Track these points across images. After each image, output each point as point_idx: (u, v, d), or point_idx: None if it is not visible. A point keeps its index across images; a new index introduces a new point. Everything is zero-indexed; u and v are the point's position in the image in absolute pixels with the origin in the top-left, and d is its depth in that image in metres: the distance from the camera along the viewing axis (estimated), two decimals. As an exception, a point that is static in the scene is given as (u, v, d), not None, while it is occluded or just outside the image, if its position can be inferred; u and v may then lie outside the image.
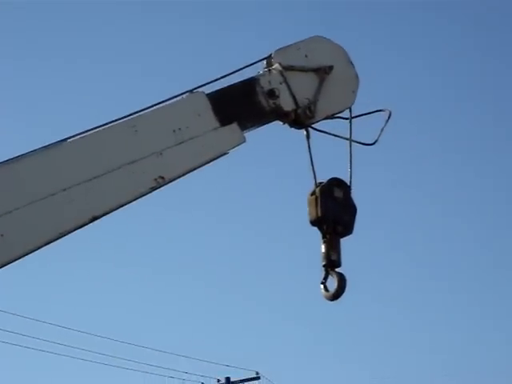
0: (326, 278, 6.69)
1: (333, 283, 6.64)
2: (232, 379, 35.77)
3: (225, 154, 6.40)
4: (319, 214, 6.72)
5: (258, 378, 35.02)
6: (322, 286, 6.72)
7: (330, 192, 6.78)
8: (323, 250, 6.72)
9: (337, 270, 6.68)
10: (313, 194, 6.81)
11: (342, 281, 6.60)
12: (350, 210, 6.88)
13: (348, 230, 6.85)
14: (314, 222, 6.77)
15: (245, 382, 35.43)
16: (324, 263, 6.69)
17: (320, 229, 6.79)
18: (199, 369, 37.15)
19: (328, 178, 6.88)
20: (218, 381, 36.00)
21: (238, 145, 6.44)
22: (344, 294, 6.68)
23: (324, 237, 6.77)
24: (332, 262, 6.68)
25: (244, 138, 6.44)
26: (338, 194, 6.84)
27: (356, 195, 6.97)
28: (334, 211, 6.77)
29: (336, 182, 6.82)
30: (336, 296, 6.62)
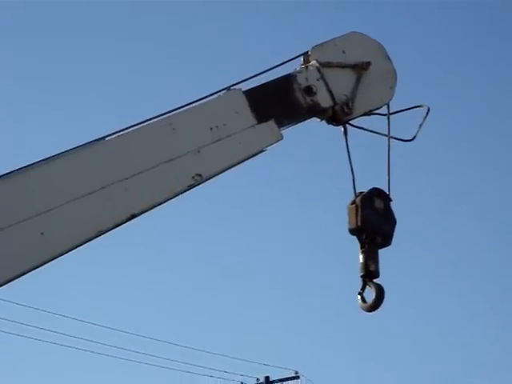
0: (363, 289, 6.69)
1: (370, 294, 6.62)
2: (271, 378, 35.67)
3: (262, 151, 6.37)
4: (359, 224, 6.70)
5: (297, 378, 34.88)
6: (359, 297, 6.72)
7: (371, 202, 6.78)
8: (361, 260, 6.70)
9: (375, 280, 6.66)
10: (353, 203, 6.78)
11: (380, 292, 6.58)
12: (389, 221, 6.86)
13: (387, 241, 6.82)
14: (353, 231, 6.74)
15: (284, 381, 35.30)
16: (362, 274, 6.68)
17: (359, 238, 6.76)
18: (239, 368, 37.16)
19: (369, 188, 6.86)
20: (258, 380, 35.87)
21: (276, 142, 6.42)
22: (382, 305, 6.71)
23: (362, 247, 6.75)
24: (370, 273, 6.67)
25: (281, 135, 6.41)
26: (379, 204, 6.83)
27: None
28: (373, 221, 6.76)
29: (377, 193, 6.82)
30: (374, 307, 6.61)
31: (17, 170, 5.58)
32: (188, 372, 34.32)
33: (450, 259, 73.36)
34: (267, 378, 35.40)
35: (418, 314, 66.93)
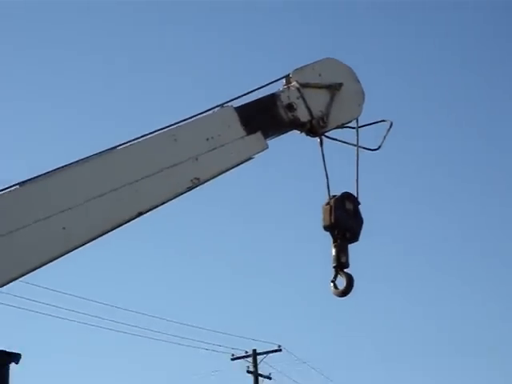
0: (335, 278, 7.18)
1: (342, 282, 7.10)
2: (258, 351, 37.82)
3: (251, 158, 6.85)
4: (332, 222, 7.19)
5: (279, 350, 37.05)
6: (332, 285, 7.20)
7: (342, 204, 7.25)
8: (333, 252, 7.20)
9: (345, 270, 7.15)
10: (327, 204, 7.26)
11: (350, 280, 7.10)
12: (358, 220, 7.36)
13: (355, 237, 7.34)
14: (327, 228, 7.25)
15: (268, 353, 37.13)
16: (334, 264, 7.17)
17: (332, 234, 7.26)
18: (230, 342, 39.23)
19: (341, 192, 7.34)
20: (246, 352, 37.99)
21: (262, 150, 6.93)
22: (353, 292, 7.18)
23: (335, 241, 7.24)
24: (341, 264, 7.15)
25: (267, 145, 6.92)
26: (349, 206, 7.31)
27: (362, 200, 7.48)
28: (344, 220, 7.25)
29: (347, 196, 7.31)
30: (344, 293, 7.13)
31: (39, 176, 6.03)
32: (187, 346, 36.14)
33: (413, 249, 76.96)
34: (254, 350, 37.44)
35: (390, 294, 69.86)
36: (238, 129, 6.86)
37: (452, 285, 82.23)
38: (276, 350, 37.28)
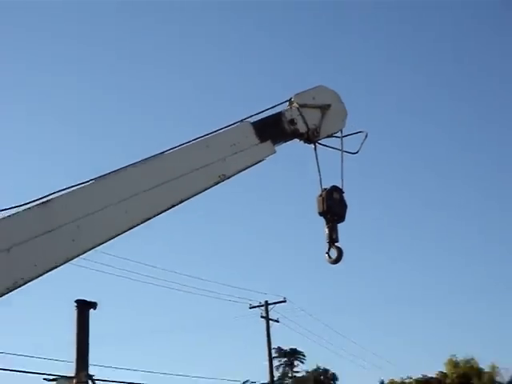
0: (329, 250, 8.04)
1: (334, 253, 8.02)
2: (268, 302, 41.34)
3: (262, 160, 7.74)
4: (325, 209, 8.09)
5: (284, 302, 40.97)
6: (326, 256, 8.06)
7: (331, 195, 8.11)
8: (326, 231, 8.09)
9: (336, 244, 8.04)
10: (320, 195, 8.13)
11: (340, 252, 8.02)
12: (343, 206, 8.21)
13: (342, 219, 8.18)
14: (321, 214, 8.14)
15: (276, 303, 40.78)
16: (328, 240, 8.06)
17: (325, 218, 8.15)
18: (248, 295, 43.19)
19: (330, 185, 8.20)
20: (260, 303, 41.27)
21: (271, 154, 7.80)
22: (343, 260, 8.03)
23: (327, 223, 8.13)
24: (333, 240, 8.06)
25: (275, 150, 7.80)
26: (336, 196, 8.15)
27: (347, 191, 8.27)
28: (333, 207, 8.10)
29: (335, 188, 8.17)
30: (336, 261, 8.02)
31: (110, 172, 6.81)
32: (217, 298, 40.88)
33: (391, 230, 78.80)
34: (266, 301, 40.78)
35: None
36: (253, 138, 7.64)
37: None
38: (282, 301, 41.41)
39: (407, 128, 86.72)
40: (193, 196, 7.26)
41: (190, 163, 7.25)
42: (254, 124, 7.70)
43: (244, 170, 7.64)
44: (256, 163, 7.71)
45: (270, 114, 7.96)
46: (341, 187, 8.21)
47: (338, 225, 8.13)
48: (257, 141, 7.65)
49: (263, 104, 7.81)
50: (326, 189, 8.13)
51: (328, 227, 8.07)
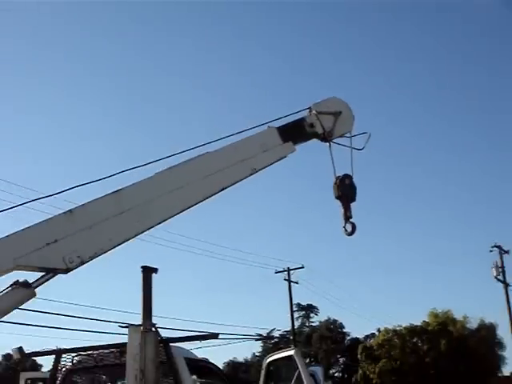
0: (345, 225, 8.66)
1: (349, 227, 8.68)
2: (290, 267, 42.95)
3: (285, 157, 8.28)
4: (340, 194, 8.72)
5: (302, 268, 42.36)
6: (343, 229, 8.68)
7: (343, 181, 8.69)
8: (342, 211, 8.71)
9: (350, 220, 8.62)
10: (335, 183, 8.71)
11: (354, 226, 8.65)
12: (353, 189, 8.75)
13: (354, 199, 8.76)
14: (337, 198, 8.73)
15: (296, 269, 42.29)
16: (344, 218, 8.68)
17: (340, 200, 8.76)
18: (274, 263, 46.33)
19: (342, 174, 8.72)
20: (283, 268, 42.99)
21: (292, 152, 8.32)
22: (356, 233, 8.61)
23: (343, 205, 8.74)
24: (347, 217, 8.68)
25: (295, 149, 8.34)
26: (347, 182, 8.70)
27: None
28: (346, 191, 8.69)
29: (346, 176, 8.70)
30: (351, 234, 8.65)
31: (173, 166, 7.36)
32: (250, 266, 45.12)
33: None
34: (288, 267, 42.31)
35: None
36: (277, 139, 8.17)
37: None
38: (300, 267, 43.08)
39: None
40: (231, 185, 7.82)
41: (229, 160, 7.82)
42: (278, 128, 8.26)
43: (271, 164, 8.21)
44: (280, 159, 8.27)
45: (291, 119, 8.53)
46: (351, 174, 8.75)
47: (351, 204, 8.73)
48: (280, 141, 8.20)
49: (283, 110, 8.46)
50: (339, 177, 8.71)
51: (343, 207, 8.69)
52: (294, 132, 8.48)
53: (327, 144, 8.82)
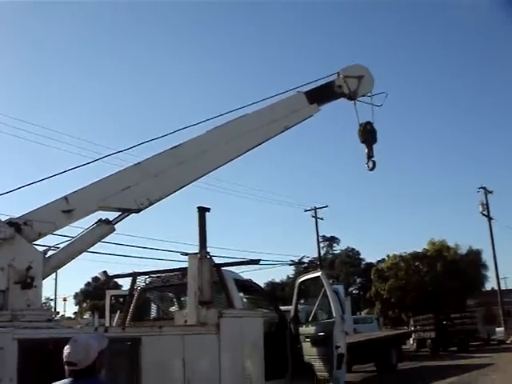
0: (367, 163, 8.70)
1: (371, 164, 8.70)
2: (316, 207, 42.03)
3: (311, 116, 8.20)
4: (364, 138, 8.77)
5: (326, 207, 41.86)
6: (366, 166, 8.73)
7: (366, 127, 8.72)
8: (366, 151, 8.72)
9: (372, 158, 8.72)
10: (360, 130, 8.74)
11: (374, 164, 8.68)
12: (374, 133, 8.75)
13: (375, 141, 8.76)
14: (362, 142, 8.76)
15: (321, 208, 41.47)
16: (367, 157, 8.71)
17: (365, 144, 8.78)
18: (303, 202, 46.72)
19: (365, 121, 8.75)
20: (311, 208, 42.06)
21: (317, 112, 8.25)
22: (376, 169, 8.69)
23: (366, 147, 8.76)
24: (370, 156, 8.72)
25: (320, 109, 8.23)
26: (369, 127, 8.72)
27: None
28: (368, 136, 8.75)
29: (368, 123, 8.71)
30: (372, 169, 8.68)
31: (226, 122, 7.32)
32: (279, 204, 44.05)
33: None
34: (315, 206, 41.65)
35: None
36: (304, 102, 8.11)
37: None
38: (325, 206, 42.41)
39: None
40: (267, 140, 7.84)
41: (265, 119, 7.78)
42: (305, 92, 8.15)
43: (299, 123, 8.13)
44: (307, 118, 8.23)
45: (317, 84, 8.47)
46: (371, 121, 8.74)
47: (373, 146, 8.77)
48: (307, 103, 8.13)
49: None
50: (362, 123, 8.70)
51: (367, 148, 8.72)
52: (323, 94, 8.40)
53: (352, 102, 8.77)
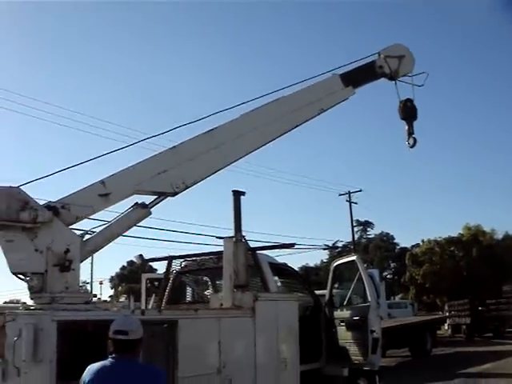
0: (408, 139, 8.44)
1: (411, 141, 8.44)
2: (351, 191, 41.31)
3: (347, 99, 8.03)
4: (404, 115, 8.51)
5: (361, 191, 40.94)
6: (406, 143, 8.48)
7: (406, 104, 8.47)
8: (406, 128, 8.48)
9: (413, 135, 8.46)
10: (400, 107, 8.49)
11: (415, 141, 8.43)
12: (414, 110, 8.51)
13: (415, 118, 8.51)
14: (402, 118, 8.52)
15: (355, 192, 40.71)
16: (407, 134, 8.44)
17: (405, 120, 8.53)
18: (338, 187, 45.56)
19: (405, 98, 8.50)
20: (345, 192, 41.40)
21: (352, 95, 8.05)
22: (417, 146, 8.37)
23: (406, 124, 8.51)
24: (410, 133, 8.48)
25: (355, 92, 8.02)
26: (409, 104, 8.47)
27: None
28: (408, 113, 8.52)
29: (408, 99, 8.46)
30: (412, 147, 8.44)
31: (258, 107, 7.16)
32: (314, 188, 43.39)
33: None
34: (349, 191, 40.96)
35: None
36: (340, 84, 7.93)
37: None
38: (359, 191, 41.36)
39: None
40: (303, 123, 7.65)
41: (301, 102, 7.63)
42: (341, 75, 8.00)
43: (335, 105, 7.96)
44: (342, 101, 8.03)
45: (366, 62, 8.36)
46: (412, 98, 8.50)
47: (414, 122, 8.57)
48: (342, 86, 7.96)
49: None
50: (402, 100, 8.51)
51: (407, 125, 8.51)
52: (363, 75, 8.27)
53: (393, 82, 8.56)
